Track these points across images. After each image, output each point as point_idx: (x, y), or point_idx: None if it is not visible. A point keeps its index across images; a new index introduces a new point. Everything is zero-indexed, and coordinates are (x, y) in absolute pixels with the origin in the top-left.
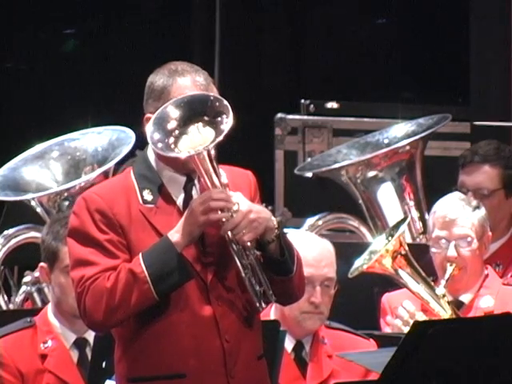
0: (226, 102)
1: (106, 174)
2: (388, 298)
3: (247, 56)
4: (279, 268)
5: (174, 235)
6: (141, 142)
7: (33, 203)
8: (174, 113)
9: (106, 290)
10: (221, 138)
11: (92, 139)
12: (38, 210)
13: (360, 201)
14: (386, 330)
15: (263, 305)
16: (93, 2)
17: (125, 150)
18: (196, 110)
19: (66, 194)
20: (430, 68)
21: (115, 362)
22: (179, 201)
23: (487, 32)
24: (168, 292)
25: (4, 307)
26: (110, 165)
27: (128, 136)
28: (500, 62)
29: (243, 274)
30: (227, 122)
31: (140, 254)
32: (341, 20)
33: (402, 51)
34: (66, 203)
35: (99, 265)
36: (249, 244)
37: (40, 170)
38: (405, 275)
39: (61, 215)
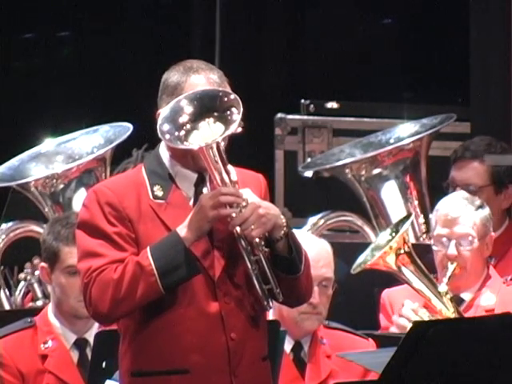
0: (234, 96)
1: (103, 160)
2: (388, 294)
3: (247, 56)
4: (287, 266)
5: (183, 230)
6: (141, 139)
7: (33, 190)
8: (185, 107)
9: (112, 281)
10: (230, 131)
11: (88, 138)
12: (39, 204)
13: (364, 199)
14: (386, 324)
15: (271, 304)
16: (92, 2)
17: (123, 138)
18: (206, 106)
19: (61, 179)
20: (429, 68)
21: (120, 357)
22: (190, 197)
23: (487, 32)
24: (174, 286)
25: (6, 303)
26: (107, 148)
27: (125, 128)
28: (500, 62)
29: (251, 271)
30: (237, 115)
31: (148, 248)
32: (341, 20)
33: (401, 51)
34: (61, 186)
35: (107, 256)
36: (257, 240)
37: (37, 169)
38: (408, 273)
39: (62, 215)
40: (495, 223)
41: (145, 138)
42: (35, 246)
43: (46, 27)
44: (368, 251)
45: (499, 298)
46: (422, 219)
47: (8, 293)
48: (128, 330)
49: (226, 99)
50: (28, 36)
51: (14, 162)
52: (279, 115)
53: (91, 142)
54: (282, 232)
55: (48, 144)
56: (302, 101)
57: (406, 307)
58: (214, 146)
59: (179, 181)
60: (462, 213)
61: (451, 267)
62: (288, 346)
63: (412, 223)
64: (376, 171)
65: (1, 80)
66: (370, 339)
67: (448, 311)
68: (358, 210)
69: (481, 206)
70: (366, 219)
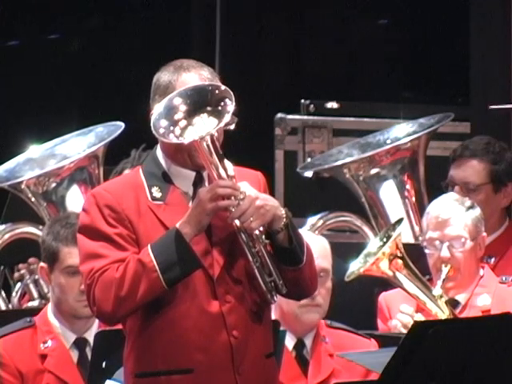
0: (225, 87)
1: (95, 158)
2: (385, 297)
3: (247, 56)
4: (289, 257)
5: (183, 225)
6: (135, 139)
7: (26, 190)
8: (178, 104)
9: (114, 280)
10: (223, 122)
11: (83, 138)
12: (32, 204)
13: (363, 199)
14: (383, 328)
15: (275, 297)
16: (92, 2)
17: (114, 135)
18: (199, 102)
19: (53, 178)
20: (430, 68)
21: (124, 359)
22: (189, 196)
23: (487, 32)
24: (177, 281)
25: (2, 305)
26: (98, 146)
27: (117, 126)
28: (500, 62)
29: (253, 264)
30: (231, 106)
31: (148, 245)
32: (340, 20)
33: (402, 51)
34: (53, 185)
35: (108, 257)
36: (257, 232)
37: (33, 171)
38: (402, 278)
39: (61, 216)
40: (495, 222)
41: (143, 138)
42: (30, 247)
43: (40, 29)
44: (360, 258)
45: (495, 298)
46: (420, 219)
47: (4, 294)
48: (131, 332)
49: (216, 92)
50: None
51: (10, 164)
52: (279, 115)
53: (85, 141)
54: (282, 223)
55: (43, 146)
56: (302, 101)
57: (402, 312)
58: (208, 138)
59: (177, 180)
60: (452, 214)
61: (445, 270)
62: (290, 343)
63: (410, 223)
64: (374, 171)
65: None
66: (372, 339)
67: (443, 314)
68: (359, 209)
69: (471, 207)
70: (365, 219)
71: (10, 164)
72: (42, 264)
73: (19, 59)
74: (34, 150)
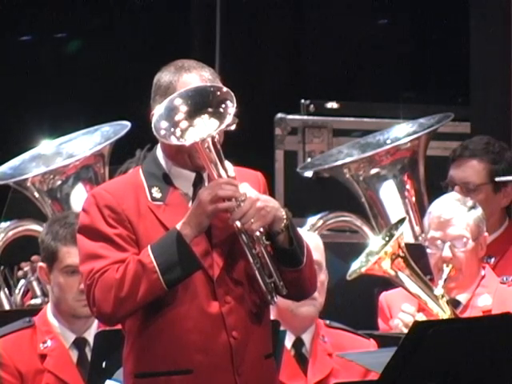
0: (226, 89)
1: (101, 156)
2: (386, 297)
3: (247, 56)
4: (289, 259)
5: (183, 226)
6: (140, 138)
7: (31, 188)
8: (179, 105)
9: (114, 281)
10: (225, 124)
11: (88, 138)
12: (37, 201)
13: (363, 199)
14: (384, 328)
15: (275, 298)
16: (92, 2)
17: (120, 134)
18: (200, 103)
19: (58, 175)
20: (430, 68)
21: (123, 359)
22: (188, 197)
23: (487, 32)
24: (177, 282)
25: (6, 303)
26: (104, 144)
27: (123, 125)
28: (500, 62)
29: (253, 266)
30: (232, 108)
31: (148, 246)
32: (341, 20)
33: (402, 51)
34: (59, 182)
35: (108, 258)
36: (258, 234)
37: (38, 169)
38: (404, 277)
39: (60, 215)
40: (495, 222)
41: (148, 138)
42: (34, 244)
43: (44, 28)
44: (362, 257)
45: (496, 298)
46: (420, 219)
47: (8, 292)
48: (131, 332)
49: (218, 93)
50: (24, 38)
51: (15, 161)
52: (279, 115)
53: (91, 140)
54: (283, 224)
55: (49, 144)
56: (302, 101)
57: (403, 312)
58: (209, 140)
59: (177, 181)
60: (454, 214)
61: (446, 270)
62: (289, 342)
63: (410, 222)
64: (374, 171)
65: None
66: (371, 339)
67: (445, 314)
68: (359, 209)
69: (473, 207)
70: (365, 219)
71: (16, 161)
72: (41, 264)
73: (26, 57)
74: (41, 148)
